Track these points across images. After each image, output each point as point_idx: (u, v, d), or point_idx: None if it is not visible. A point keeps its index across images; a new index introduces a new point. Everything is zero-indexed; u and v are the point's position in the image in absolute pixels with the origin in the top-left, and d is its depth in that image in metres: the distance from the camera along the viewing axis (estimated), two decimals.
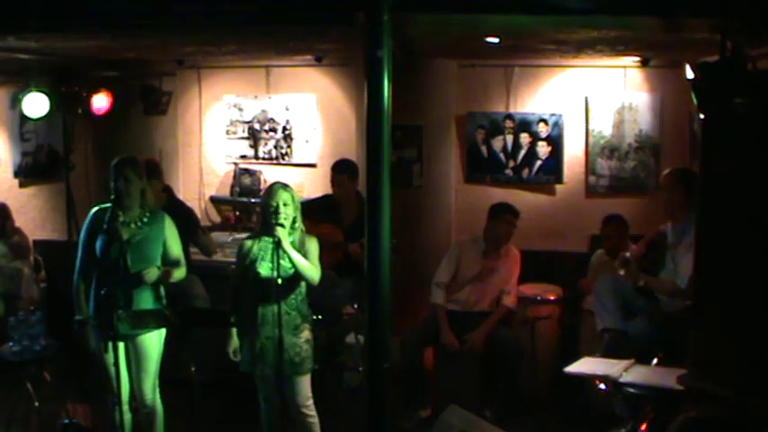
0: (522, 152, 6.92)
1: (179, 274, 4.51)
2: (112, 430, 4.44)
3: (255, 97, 7.43)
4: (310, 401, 4.42)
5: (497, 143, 6.97)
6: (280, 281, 4.15)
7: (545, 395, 5.85)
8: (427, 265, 6.11)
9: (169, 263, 4.48)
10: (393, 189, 3.23)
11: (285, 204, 4.29)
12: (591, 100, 6.83)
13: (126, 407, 4.34)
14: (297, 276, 4.30)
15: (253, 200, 7.23)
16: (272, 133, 7.43)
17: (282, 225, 4.22)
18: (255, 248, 4.38)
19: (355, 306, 5.89)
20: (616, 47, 5.48)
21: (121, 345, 4.22)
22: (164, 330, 4.49)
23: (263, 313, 4.31)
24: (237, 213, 7.44)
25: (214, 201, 7.60)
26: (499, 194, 6.72)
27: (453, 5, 3.54)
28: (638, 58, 6.46)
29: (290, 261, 4.21)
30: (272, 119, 7.41)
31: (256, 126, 7.45)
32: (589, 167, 6.88)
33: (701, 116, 3.68)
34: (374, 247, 3.22)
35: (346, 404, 5.51)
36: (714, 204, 3.63)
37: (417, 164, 6.69)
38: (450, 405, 4.02)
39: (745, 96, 3.42)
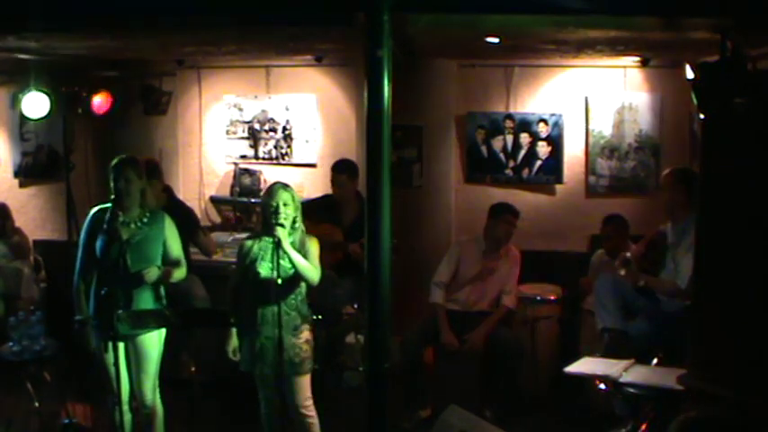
0: (522, 152, 6.92)
1: (179, 274, 4.51)
2: (112, 430, 4.43)
3: (255, 97, 7.42)
4: (310, 401, 4.42)
5: (497, 143, 6.96)
6: (280, 281, 4.15)
7: (545, 395, 5.84)
8: (427, 265, 6.09)
9: (169, 263, 4.47)
10: (393, 189, 3.24)
11: (285, 204, 4.28)
12: (591, 100, 6.82)
13: (126, 407, 4.35)
14: (297, 276, 4.29)
15: (253, 200, 7.24)
16: (272, 133, 7.42)
17: (282, 225, 4.22)
18: (255, 248, 4.38)
19: (355, 306, 5.90)
20: (616, 47, 5.48)
21: (121, 345, 4.22)
22: (164, 330, 4.48)
23: (263, 313, 4.30)
24: (237, 213, 7.44)
25: (214, 201, 7.60)
26: (499, 194, 6.72)
27: (453, 5, 3.53)
28: (638, 58, 6.45)
29: (290, 261, 4.20)
30: (272, 119, 7.41)
31: (256, 126, 7.44)
32: (589, 167, 6.88)
33: (701, 116, 3.69)
34: (374, 247, 3.23)
35: (346, 404, 5.50)
36: (714, 204, 3.63)
37: (417, 164, 6.69)
38: (450, 405, 4.02)
39: (745, 96, 3.42)
